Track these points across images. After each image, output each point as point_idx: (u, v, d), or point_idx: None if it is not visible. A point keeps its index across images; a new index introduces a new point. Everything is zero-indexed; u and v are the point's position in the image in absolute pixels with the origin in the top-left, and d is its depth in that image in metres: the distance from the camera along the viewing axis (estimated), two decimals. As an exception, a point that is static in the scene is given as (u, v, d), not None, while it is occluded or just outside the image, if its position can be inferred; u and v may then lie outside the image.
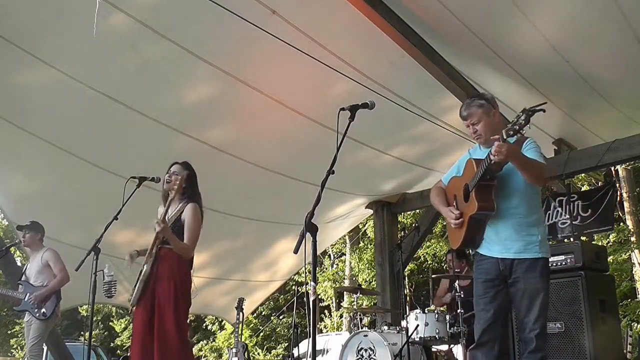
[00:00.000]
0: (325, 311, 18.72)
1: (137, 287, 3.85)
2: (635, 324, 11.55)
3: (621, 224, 12.93)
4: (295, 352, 7.02)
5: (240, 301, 6.93)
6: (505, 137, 2.74)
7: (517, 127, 2.67)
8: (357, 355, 5.23)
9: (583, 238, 6.67)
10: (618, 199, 11.88)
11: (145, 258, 3.92)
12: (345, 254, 18.97)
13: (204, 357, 19.99)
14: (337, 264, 19.22)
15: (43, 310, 5.33)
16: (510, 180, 3.07)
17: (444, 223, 14.68)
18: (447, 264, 6.05)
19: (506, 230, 3.07)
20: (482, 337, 3.10)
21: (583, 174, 10.67)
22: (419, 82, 5.30)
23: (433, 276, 9.81)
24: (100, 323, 22.51)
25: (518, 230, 3.06)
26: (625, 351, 5.34)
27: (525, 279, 3.02)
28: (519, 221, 3.06)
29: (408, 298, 10.80)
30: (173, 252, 3.89)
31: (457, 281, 5.27)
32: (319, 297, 17.31)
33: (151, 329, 3.75)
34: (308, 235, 2.54)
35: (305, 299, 7.89)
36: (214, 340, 20.27)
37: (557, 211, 6.45)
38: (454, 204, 3.28)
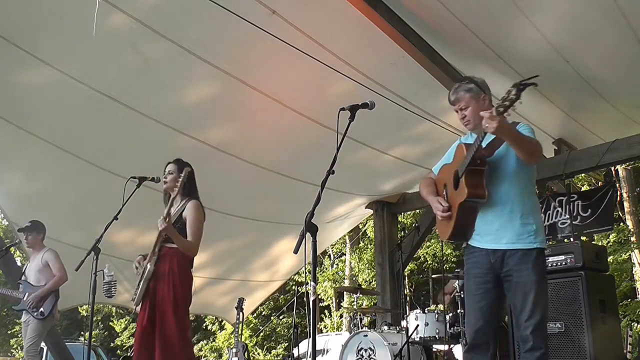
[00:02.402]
0: (325, 311, 18.72)
1: (141, 287, 3.85)
2: (635, 324, 11.55)
3: (621, 224, 12.93)
4: (295, 352, 7.02)
5: (240, 301, 6.93)
6: (495, 113, 2.56)
7: (508, 103, 2.49)
8: (357, 355, 5.23)
9: (583, 238, 6.67)
10: (618, 199, 11.91)
11: (148, 257, 3.93)
12: (345, 254, 18.97)
13: (204, 357, 19.99)
14: (337, 264, 19.22)
15: (41, 309, 5.32)
16: (501, 165, 2.89)
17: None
18: None
19: (498, 219, 2.87)
20: (475, 339, 2.90)
21: (583, 174, 10.68)
22: (419, 82, 5.30)
23: (433, 276, 9.81)
24: (100, 323, 22.50)
25: (511, 218, 2.85)
26: (625, 351, 5.34)
27: (518, 272, 2.81)
28: (512, 209, 2.86)
29: (408, 298, 10.80)
30: (173, 251, 3.89)
31: (457, 281, 5.28)
32: (319, 297, 17.31)
33: (153, 328, 3.76)
34: (308, 235, 2.53)
35: (305, 299, 7.89)
36: (214, 340, 20.27)
37: (557, 211, 6.45)
38: (444, 194, 3.08)
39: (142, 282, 3.85)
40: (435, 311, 5.37)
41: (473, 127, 3.04)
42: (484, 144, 2.86)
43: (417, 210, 11.06)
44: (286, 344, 18.60)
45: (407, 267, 13.15)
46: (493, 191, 2.87)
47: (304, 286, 11.09)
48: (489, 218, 2.90)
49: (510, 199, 2.88)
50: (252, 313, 14.26)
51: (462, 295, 5.05)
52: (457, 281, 5.29)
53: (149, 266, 3.85)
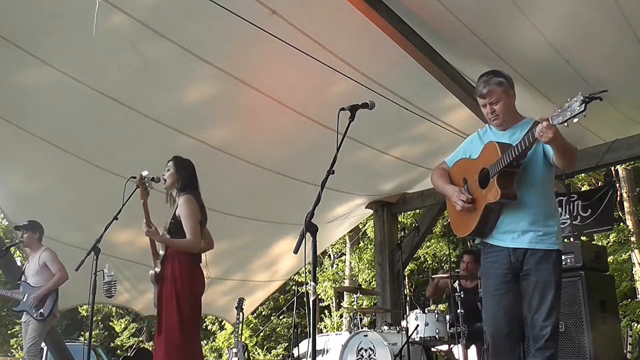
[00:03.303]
0: (325, 311, 18.72)
1: (154, 291, 3.88)
2: (635, 324, 11.56)
3: (621, 224, 12.94)
4: (295, 352, 7.02)
5: (240, 301, 6.93)
6: (553, 122, 2.53)
7: (570, 114, 2.41)
8: (357, 355, 5.22)
9: (583, 238, 6.67)
10: (618, 199, 11.92)
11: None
12: (345, 254, 18.97)
13: (204, 357, 20.00)
14: (337, 264, 19.23)
15: (41, 310, 5.32)
16: (530, 168, 2.88)
17: (444, 222, 14.85)
18: (462, 267, 5.75)
19: (523, 220, 2.87)
20: (498, 340, 2.89)
21: (583, 174, 10.68)
22: (419, 82, 5.29)
23: (433, 276, 9.79)
24: (100, 323, 22.50)
25: (536, 220, 2.87)
26: (625, 351, 5.34)
27: (538, 271, 2.84)
28: (537, 211, 2.88)
29: (408, 298, 10.80)
30: (173, 251, 3.89)
31: (456, 281, 5.28)
32: (319, 297, 17.31)
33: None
34: (308, 235, 2.53)
35: (305, 299, 7.89)
36: (214, 340, 20.26)
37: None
38: (464, 187, 3.05)
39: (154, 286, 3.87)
40: (435, 311, 5.37)
41: (501, 123, 3.00)
42: (514, 144, 2.82)
43: (417, 210, 11.07)
44: (286, 344, 18.60)
45: (407, 267, 13.16)
46: (521, 192, 2.87)
47: (304, 286, 11.09)
48: (513, 219, 2.90)
49: (536, 201, 2.89)
50: (252, 313, 14.26)
51: (462, 295, 5.04)
52: (456, 281, 5.29)
53: (157, 270, 3.86)
